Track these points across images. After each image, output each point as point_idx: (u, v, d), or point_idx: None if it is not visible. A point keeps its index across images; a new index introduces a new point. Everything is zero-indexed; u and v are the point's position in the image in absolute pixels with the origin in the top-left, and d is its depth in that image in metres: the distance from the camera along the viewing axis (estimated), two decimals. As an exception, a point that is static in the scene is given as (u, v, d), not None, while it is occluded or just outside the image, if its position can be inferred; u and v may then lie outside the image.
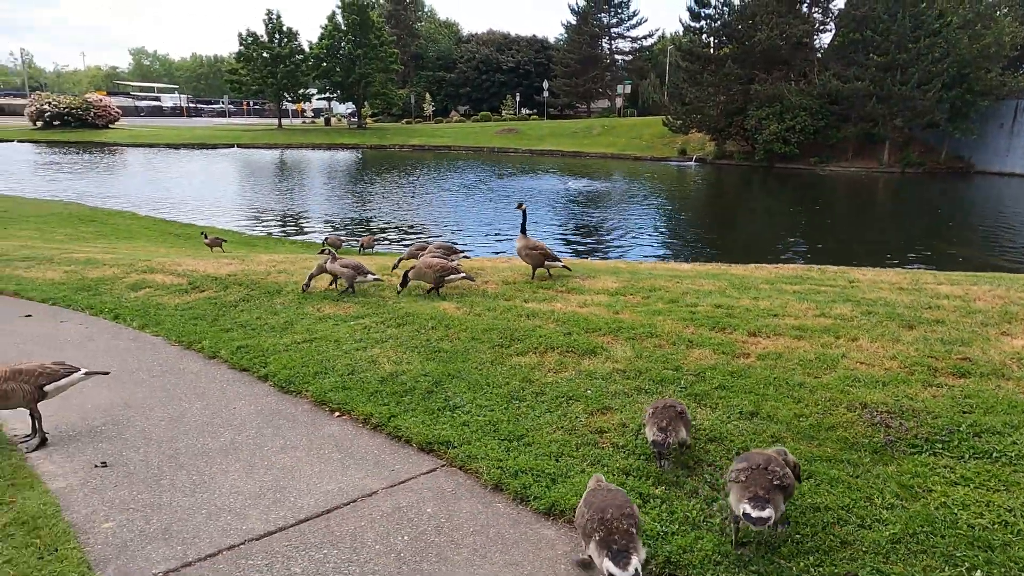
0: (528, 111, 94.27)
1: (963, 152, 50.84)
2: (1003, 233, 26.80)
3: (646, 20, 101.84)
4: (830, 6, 52.43)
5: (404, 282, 7.91)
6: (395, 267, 9.62)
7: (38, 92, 78.48)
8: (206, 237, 15.58)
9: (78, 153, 53.92)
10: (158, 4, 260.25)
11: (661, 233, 25.55)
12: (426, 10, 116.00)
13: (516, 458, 4.12)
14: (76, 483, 4.15)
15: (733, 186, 45.02)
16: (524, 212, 8.81)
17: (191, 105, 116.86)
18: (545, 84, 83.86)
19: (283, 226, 24.53)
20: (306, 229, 24.30)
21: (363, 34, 73.35)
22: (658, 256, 20.08)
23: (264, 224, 25.02)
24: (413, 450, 4.44)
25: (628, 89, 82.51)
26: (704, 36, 54.85)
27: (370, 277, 8.05)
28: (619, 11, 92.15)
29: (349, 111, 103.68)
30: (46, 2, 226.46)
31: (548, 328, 6.38)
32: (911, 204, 36.31)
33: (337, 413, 5.03)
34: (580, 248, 21.44)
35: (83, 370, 4.72)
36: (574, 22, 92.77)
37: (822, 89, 49.20)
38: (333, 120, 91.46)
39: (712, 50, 55.38)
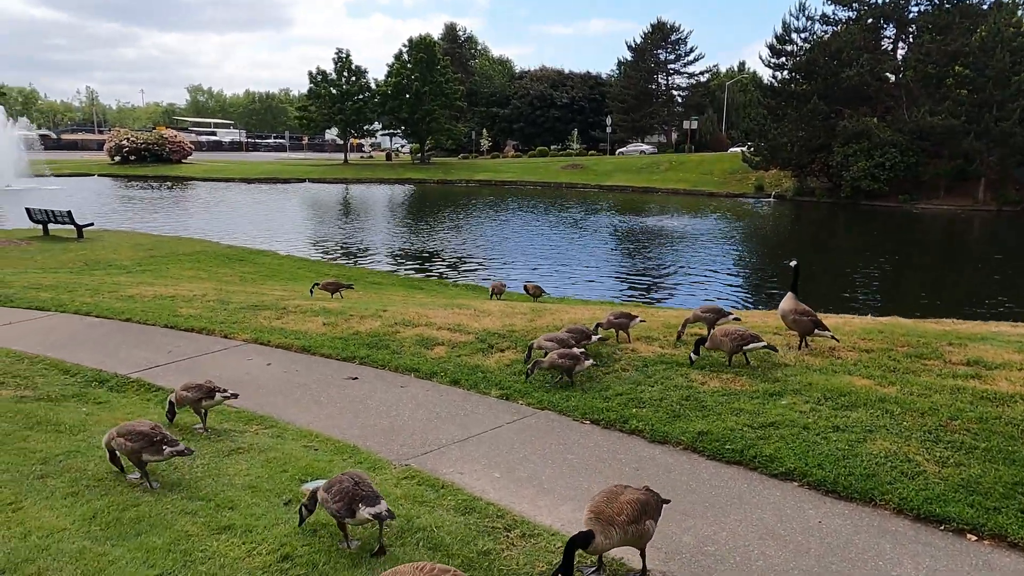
0: (580, 145, 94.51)
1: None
2: None
3: (703, 56, 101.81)
4: (920, 41, 51.31)
5: (696, 351, 6.97)
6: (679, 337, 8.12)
7: (117, 128, 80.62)
8: (318, 286, 13.02)
9: (161, 188, 54.70)
10: (216, 44, 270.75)
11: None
12: (479, 47, 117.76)
13: None
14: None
15: (831, 224, 43.72)
16: (797, 269, 7.65)
17: (248, 140, 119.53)
18: (608, 120, 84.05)
19: (420, 264, 24.05)
20: (433, 266, 23.76)
21: (429, 71, 74.32)
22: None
23: (399, 263, 24.55)
24: None
25: (695, 124, 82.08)
26: (786, 73, 54.20)
27: None
28: (676, 47, 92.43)
29: (397, 145, 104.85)
30: (105, 43, 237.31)
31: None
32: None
33: (974, 537, 4.14)
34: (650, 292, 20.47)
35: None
36: (630, 58, 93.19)
37: (914, 125, 48.00)
38: (393, 155, 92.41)
39: (793, 86, 54.69)
